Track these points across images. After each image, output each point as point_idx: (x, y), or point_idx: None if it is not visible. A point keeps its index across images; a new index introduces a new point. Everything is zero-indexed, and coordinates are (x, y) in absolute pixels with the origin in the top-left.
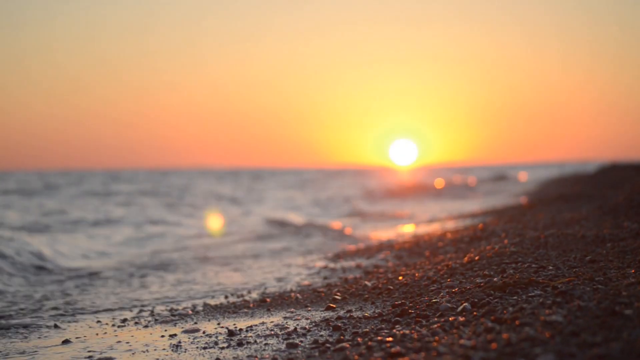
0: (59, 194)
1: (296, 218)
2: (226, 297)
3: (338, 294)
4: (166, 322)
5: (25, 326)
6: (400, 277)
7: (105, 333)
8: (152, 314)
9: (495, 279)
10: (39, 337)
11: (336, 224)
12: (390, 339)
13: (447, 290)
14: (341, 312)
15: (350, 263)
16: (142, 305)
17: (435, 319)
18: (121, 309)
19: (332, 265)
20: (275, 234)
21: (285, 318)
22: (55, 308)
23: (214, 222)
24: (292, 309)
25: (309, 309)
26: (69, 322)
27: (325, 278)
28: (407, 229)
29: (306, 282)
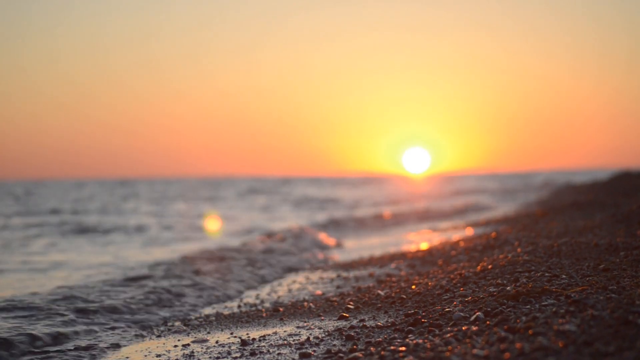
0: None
1: None
2: (239, 306)
3: (351, 303)
4: (179, 332)
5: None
6: (413, 286)
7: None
8: (165, 323)
9: (508, 288)
10: None
11: None
12: (403, 348)
13: (460, 299)
14: (354, 322)
15: (363, 272)
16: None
17: (448, 328)
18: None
19: (344, 274)
20: None
21: (298, 327)
22: None
23: None
24: (305, 319)
25: (322, 318)
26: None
27: (338, 287)
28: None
29: (319, 292)
